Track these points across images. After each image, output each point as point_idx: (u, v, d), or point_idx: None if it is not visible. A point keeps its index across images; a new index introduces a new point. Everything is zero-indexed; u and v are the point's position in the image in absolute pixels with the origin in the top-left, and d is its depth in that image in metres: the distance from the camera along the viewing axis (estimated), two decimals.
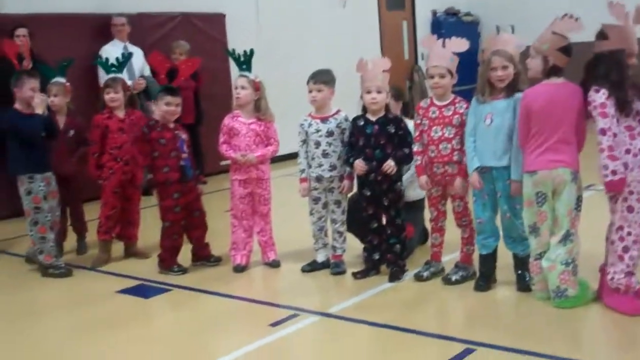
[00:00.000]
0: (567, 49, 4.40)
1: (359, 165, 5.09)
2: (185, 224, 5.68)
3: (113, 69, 6.09)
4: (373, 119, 5.12)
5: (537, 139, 4.41)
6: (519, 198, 4.68)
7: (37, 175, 5.67)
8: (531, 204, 4.49)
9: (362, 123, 5.15)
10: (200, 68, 5.99)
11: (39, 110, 5.61)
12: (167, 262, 5.67)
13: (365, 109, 5.17)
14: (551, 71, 4.44)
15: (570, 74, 4.46)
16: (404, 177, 5.32)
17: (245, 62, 5.54)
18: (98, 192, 6.12)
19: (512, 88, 4.64)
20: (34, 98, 5.61)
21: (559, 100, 4.37)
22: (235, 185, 5.56)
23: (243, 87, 5.48)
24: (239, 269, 5.57)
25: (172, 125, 5.61)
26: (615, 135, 4.17)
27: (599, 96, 4.19)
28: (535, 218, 4.50)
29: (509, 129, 4.63)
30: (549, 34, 4.44)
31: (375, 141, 5.09)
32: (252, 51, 5.58)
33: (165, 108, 5.56)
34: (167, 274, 5.63)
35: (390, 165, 5.01)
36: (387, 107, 5.15)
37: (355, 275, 5.25)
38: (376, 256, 5.26)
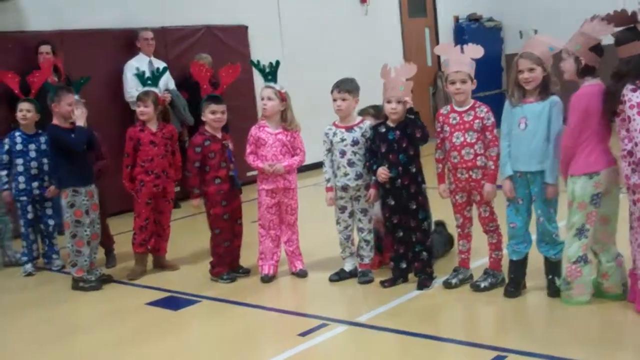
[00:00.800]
0: (598, 49, 4.39)
1: (382, 172, 5.09)
2: (231, 231, 5.73)
3: (148, 82, 6.15)
4: (393, 125, 5.12)
5: (593, 139, 4.39)
6: (553, 202, 4.67)
7: (82, 188, 5.77)
8: (584, 207, 4.44)
9: (383, 130, 5.16)
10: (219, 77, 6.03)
11: (80, 122, 5.71)
12: (218, 269, 5.73)
13: (387, 117, 5.17)
14: (584, 71, 4.42)
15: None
16: None
17: (270, 73, 5.57)
18: (125, 205, 6.16)
19: (544, 91, 4.61)
20: (73, 112, 5.71)
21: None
22: (262, 195, 5.58)
23: (269, 98, 5.51)
24: (267, 279, 5.59)
25: (219, 136, 5.65)
26: None
27: (636, 95, 4.15)
28: (585, 220, 4.45)
29: (544, 133, 4.60)
30: (579, 34, 4.43)
31: (398, 146, 5.09)
32: (277, 62, 5.61)
33: (211, 117, 5.60)
34: (216, 282, 5.69)
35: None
36: (408, 111, 5.12)
37: (383, 283, 5.24)
38: (403, 265, 5.25)
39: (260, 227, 5.63)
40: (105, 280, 5.94)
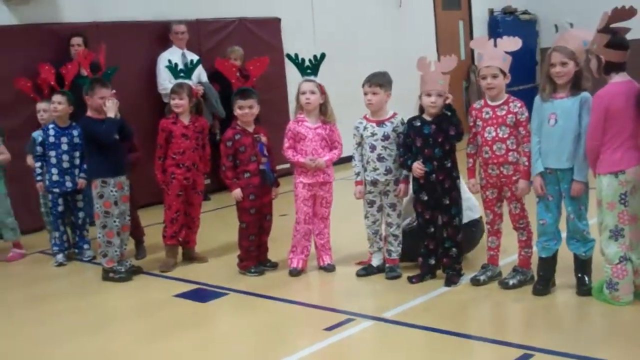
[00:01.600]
0: (616, 44, 4.31)
1: (418, 167, 5.06)
2: (258, 226, 5.74)
3: (181, 74, 6.18)
4: (429, 119, 5.09)
5: (617, 138, 4.34)
6: (584, 199, 4.62)
7: (110, 179, 5.82)
8: (614, 206, 4.39)
9: (418, 124, 5.12)
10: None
11: (111, 113, 5.74)
12: (245, 263, 5.76)
13: (422, 110, 5.13)
14: (608, 69, 4.36)
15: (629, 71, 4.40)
16: None
17: (313, 67, 5.56)
18: (155, 197, 6.21)
19: (576, 86, 4.56)
20: (104, 104, 5.76)
21: (634, 97, 4.33)
22: (299, 187, 5.57)
23: (312, 92, 5.50)
24: (296, 272, 5.60)
25: (251, 129, 5.66)
26: None
27: None
28: (617, 220, 4.40)
29: (575, 129, 4.54)
30: (596, 32, 4.37)
31: (434, 140, 5.05)
32: (323, 55, 5.59)
33: (239, 112, 5.62)
34: (244, 275, 5.72)
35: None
36: (446, 107, 5.09)
37: (410, 279, 5.23)
38: (432, 261, 5.23)
39: (296, 221, 5.62)
40: (135, 271, 6.00)
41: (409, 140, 5.18)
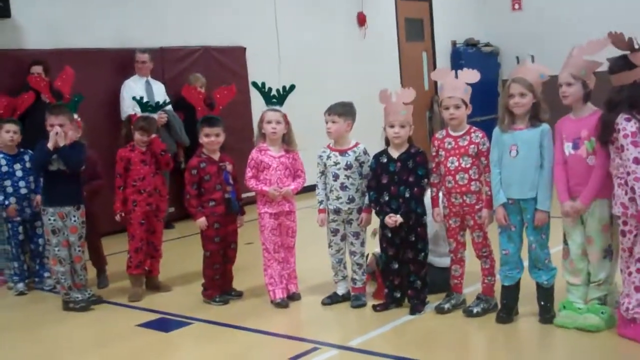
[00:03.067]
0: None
1: (391, 221, 5.02)
2: (222, 254, 5.70)
3: (149, 108, 6.16)
4: (395, 155, 5.09)
5: None
6: (545, 228, 4.68)
7: (49, 208, 5.74)
8: (608, 229, 4.50)
9: (385, 160, 5.13)
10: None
11: (49, 143, 5.60)
12: (209, 292, 5.70)
13: (387, 142, 5.16)
14: (587, 96, 4.46)
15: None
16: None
17: (281, 97, 5.56)
18: (117, 225, 6.15)
19: (533, 117, 4.63)
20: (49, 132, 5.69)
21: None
22: (266, 218, 5.53)
23: (278, 122, 5.49)
24: (284, 303, 5.51)
25: (217, 157, 5.64)
26: None
27: (631, 125, 4.17)
28: (612, 241, 4.51)
29: (536, 160, 4.61)
30: (581, 59, 4.45)
31: (399, 178, 5.06)
32: (292, 87, 5.59)
33: (205, 140, 5.59)
34: (209, 304, 5.66)
35: (396, 219, 5.01)
36: (410, 139, 5.13)
37: (375, 307, 5.22)
38: (397, 294, 5.22)
39: (265, 252, 5.55)
40: (95, 301, 5.90)
41: (372, 182, 5.15)
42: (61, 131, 5.65)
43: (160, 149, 6.08)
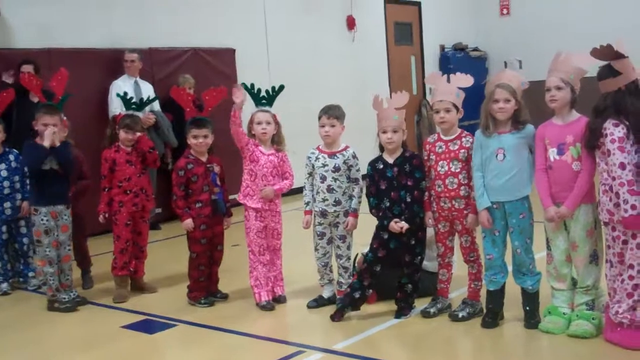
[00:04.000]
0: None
1: (397, 227, 4.96)
2: (208, 256, 5.68)
3: (133, 106, 6.13)
4: (391, 160, 5.06)
5: None
6: (530, 233, 4.70)
7: (42, 208, 5.73)
8: (593, 234, 4.52)
9: (381, 166, 5.10)
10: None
11: (46, 142, 5.63)
12: (195, 293, 5.69)
13: (382, 148, 5.14)
14: (575, 102, 4.50)
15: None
16: None
17: (270, 98, 5.55)
18: (102, 226, 6.13)
19: (515, 121, 4.66)
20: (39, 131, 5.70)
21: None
22: (251, 219, 5.51)
23: (268, 123, 5.49)
24: (269, 306, 5.49)
25: (204, 159, 5.62)
26: (636, 168, 4.17)
27: (618, 130, 4.18)
28: (597, 246, 4.52)
29: (524, 163, 4.65)
30: (568, 65, 4.47)
31: (398, 183, 5.03)
32: (281, 87, 5.58)
33: (193, 141, 5.58)
34: (194, 305, 5.65)
35: (402, 225, 4.96)
36: (404, 144, 5.11)
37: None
38: (357, 295, 5.09)
39: (251, 253, 5.54)
40: (80, 302, 5.88)
41: (372, 188, 5.10)
42: (56, 130, 5.69)
43: (148, 146, 6.06)
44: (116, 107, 8.28)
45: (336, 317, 5.12)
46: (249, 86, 5.59)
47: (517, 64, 13.71)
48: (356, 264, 5.52)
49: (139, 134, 6.02)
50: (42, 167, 5.69)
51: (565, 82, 4.47)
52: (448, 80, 4.96)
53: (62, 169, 5.76)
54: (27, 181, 6.42)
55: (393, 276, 5.13)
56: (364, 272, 5.13)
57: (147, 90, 8.69)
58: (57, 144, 5.69)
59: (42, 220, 5.72)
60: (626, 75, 4.22)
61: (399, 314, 5.12)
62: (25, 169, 6.41)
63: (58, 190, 5.80)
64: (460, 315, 4.95)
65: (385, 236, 5.04)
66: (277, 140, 5.58)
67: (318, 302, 5.48)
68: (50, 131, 5.65)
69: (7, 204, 6.36)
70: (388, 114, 5.04)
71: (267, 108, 5.54)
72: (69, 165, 5.83)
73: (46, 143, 5.64)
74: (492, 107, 4.65)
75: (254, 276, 5.54)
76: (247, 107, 5.52)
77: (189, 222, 5.54)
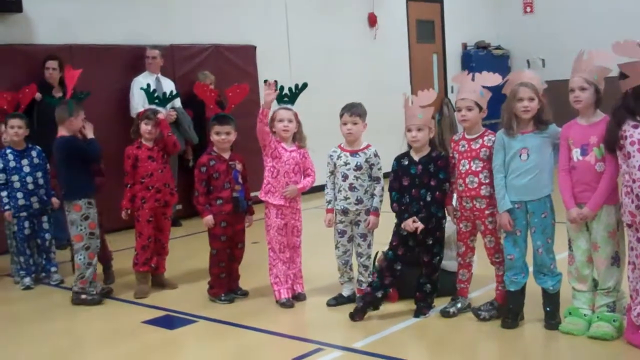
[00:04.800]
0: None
1: (411, 226, 4.95)
2: (229, 253, 5.70)
3: (156, 100, 6.17)
4: (417, 158, 5.05)
5: None
6: (551, 233, 4.68)
7: (93, 200, 5.86)
8: (614, 235, 4.48)
9: (406, 163, 5.09)
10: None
11: (92, 134, 5.86)
12: (215, 290, 5.71)
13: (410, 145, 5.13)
14: (599, 102, 4.47)
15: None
16: None
17: (293, 95, 5.55)
18: (123, 222, 6.17)
19: (538, 121, 4.63)
20: (84, 126, 5.87)
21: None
22: (272, 216, 5.52)
23: (290, 120, 5.49)
24: (289, 303, 5.51)
25: (227, 156, 5.64)
26: None
27: (638, 132, 4.16)
28: (619, 247, 4.49)
29: (549, 162, 4.64)
30: (592, 65, 4.44)
31: (420, 181, 5.02)
32: (305, 85, 5.59)
33: (216, 138, 5.59)
34: (215, 302, 5.67)
35: (417, 225, 4.94)
36: (432, 143, 5.08)
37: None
38: (379, 294, 5.10)
39: (270, 251, 5.55)
40: (106, 293, 5.97)
41: (395, 183, 5.09)
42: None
43: (167, 130, 6.07)
44: (138, 103, 8.34)
45: (357, 316, 5.11)
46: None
47: (540, 63, 13.63)
48: (376, 262, 5.51)
49: (157, 128, 6.02)
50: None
51: (589, 82, 4.44)
52: (473, 78, 4.94)
53: (96, 161, 5.98)
54: (49, 177, 6.50)
55: (413, 275, 5.12)
56: (384, 271, 5.11)
57: (169, 86, 8.71)
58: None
59: (95, 212, 5.87)
60: (634, 78, 4.17)
61: (418, 313, 5.11)
62: (47, 165, 6.50)
63: (93, 183, 5.98)
64: (482, 315, 4.92)
65: (404, 233, 5.02)
66: (298, 138, 5.59)
67: (338, 300, 5.48)
68: (90, 125, 5.91)
69: (34, 198, 6.44)
70: (413, 112, 5.03)
71: (289, 106, 5.55)
72: (100, 157, 6.00)
73: (92, 135, 5.87)
74: (516, 106, 4.62)
75: (274, 273, 5.55)
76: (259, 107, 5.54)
77: (209, 219, 5.56)
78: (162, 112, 6.15)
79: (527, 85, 4.61)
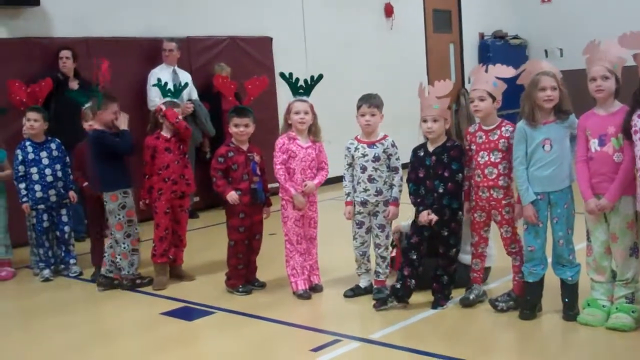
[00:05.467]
0: None
1: (425, 218, 4.95)
2: (247, 244, 5.71)
3: (169, 93, 6.19)
4: (431, 149, 5.05)
5: None
6: (572, 223, 4.66)
7: (129, 189, 5.97)
8: (633, 225, 4.46)
9: (422, 154, 5.09)
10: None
11: (125, 126, 5.95)
12: (233, 281, 5.73)
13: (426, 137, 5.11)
14: (618, 92, 4.44)
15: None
16: None
17: (308, 87, 5.55)
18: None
19: (559, 110, 4.60)
20: (116, 119, 5.96)
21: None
22: (289, 208, 5.53)
23: (306, 112, 5.49)
24: (306, 295, 5.52)
25: (245, 147, 5.65)
26: None
27: None
28: (638, 238, 4.47)
29: (568, 153, 4.63)
30: (611, 54, 4.41)
31: (434, 172, 5.01)
32: (320, 77, 5.59)
33: (234, 130, 5.60)
34: (232, 293, 5.70)
35: (431, 217, 4.95)
36: (448, 133, 5.07)
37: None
38: (397, 285, 5.10)
39: (287, 243, 5.56)
40: (145, 282, 6.11)
41: (412, 174, 5.10)
42: (127, 116, 6.03)
43: (174, 116, 6.04)
44: (155, 96, 8.35)
45: (378, 304, 5.13)
46: (287, 75, 5.60)
47: (558, 53, 13.54)
48: (393, 238, 5.54)
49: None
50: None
51: (610, 71, 4.41)
52: (486, 69, 4.92)
53: (128, 153, 6.04)
54: (69, 170, 6.54)
55: (431, 266, 5.12)
56: (402, 263, 5.12)
57: (185, 79, 8.73)
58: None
59: (132, 201, 6.00)
60: None
61: (435, 304, 5.10)
62: (67, 158, 6.54)
63: (129, 172, 6.08)
64: (499, 306, 4.91)
65: (420, 225, 5.02)
66: (313, 131, 5.58)
67: (355, 292, 5.49)
68: (125, 116, 5.98)
69: (52, 191, 6.48)
70: (429, 102, 5.01)
71: (304, 98, 5.55)
72: (134, 149, 6.06)
73: (125, 127, 5.95)
74: (538, 96, 4.58)
75: (291, 265, 5.56)
76: (284, 97, 5.53)
77: (233, 194, 5.52)
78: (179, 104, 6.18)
79: (549, 74, 4.58)
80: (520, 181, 4.70)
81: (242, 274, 5.74)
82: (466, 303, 5.03)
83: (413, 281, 5.09)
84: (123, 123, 5.97)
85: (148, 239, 6.35)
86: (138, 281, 6.02)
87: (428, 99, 5.03)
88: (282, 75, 5.65)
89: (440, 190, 4.96)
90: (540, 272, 4.76)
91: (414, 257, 5.07)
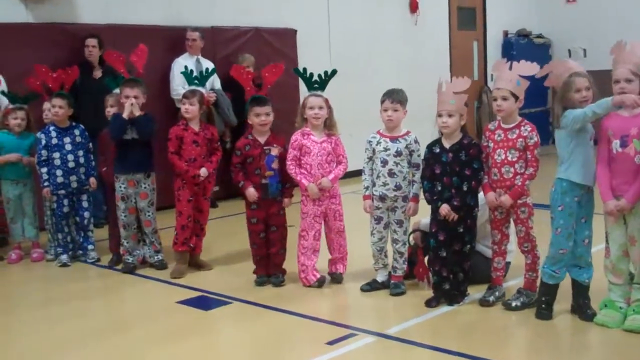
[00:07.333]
0: None
1: (445, 211, 4.94)
2: (265, 237, 5.71)
3: (195, 81, 6.21)
4: (447, 145, 5.02)
5: None
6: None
7: (120, 176, 6.18)
8: None
9: (437, 150, 5.07)
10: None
11: (125, 113, 6.00)
12: (255, 269, 5.77)
13: (441, 132, 5.11)
14: None
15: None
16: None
17: (323, 82, 5.55)
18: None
19: None
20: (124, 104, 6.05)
21: None
22: (309, 204, 5.54)
23: (321, 107, 5.50)
24: (321, 282, 5.59)
25: (263, 139, 5.63)
26: None
27: None
28: None
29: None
30: (636, 56, 4.38)
31: (451, 169, 4.99)
32: (334, 72, 5.59)
33: (256, 120, 5.59)
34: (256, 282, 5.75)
35: (446, 210, 4.94)
36: (463, 129, 5.07)
37: (429, 304, 5.09)
38: (446, 286, 5.11)
39: (302, 239, 5.58)
40: (160, 265, 6.29)
41: (427, 171, 5.09)
42: (135, 102, 6.00)
43: (212, 134, 6.17)
44: (178, 85, 8.39)
45: (432, 303, 5.09)
46: (301, 71, 5.61)
47: (582, 53, 13.45)
48: (411, 239, 5.51)
49: (196, 106, 6.02)
50: (124, 136, 6.02)
51: (635, 74, 4.37)
52: (510, 67, 4.89)
53: (141, 138, 6.06)
54: (91, 156, 6.58)
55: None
56: (434, 262, 5.10)
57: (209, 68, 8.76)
58: (136, 114, 6.01)
59: (120, 187, 6.09)
60: None
61: (451, 301, 5.09)
62: (90, 144, 6.59)
63: (137, 159, 6.12)
64: (513, 304, 4.91)
65: (441, 218, 5.01)
66: (329, 125, 5.58)
67: (372, 286, 5.49)
68: (129, 102, 5.98)
69: (73, 177, 6.52)
70: (446, 97, 5.00)
71: (319, 92, 5.54)
72: (147, 134, 6.09)
73: (125, 114, 5.96)
74: (574, 97, 4.54)
75: (302, 262, 5.58)
76: (306, 89, 5.54)
77: (251, 190, 5.56)
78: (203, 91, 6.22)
79: (582, 75, 4.56)
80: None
81: (262, 265, 5.74)
82: (486, 304, 5.01)
83: (451, 276, 5.08)
84: (126, 109, 5.99)
85: (169, 227, 6.36)
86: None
87: (445, 93, 5.02)
88: (296, 70, 5.65)
89: (465, 189, 4.94)
90: (562, 276, 4.73)
91: (444, 254, 5.05)
